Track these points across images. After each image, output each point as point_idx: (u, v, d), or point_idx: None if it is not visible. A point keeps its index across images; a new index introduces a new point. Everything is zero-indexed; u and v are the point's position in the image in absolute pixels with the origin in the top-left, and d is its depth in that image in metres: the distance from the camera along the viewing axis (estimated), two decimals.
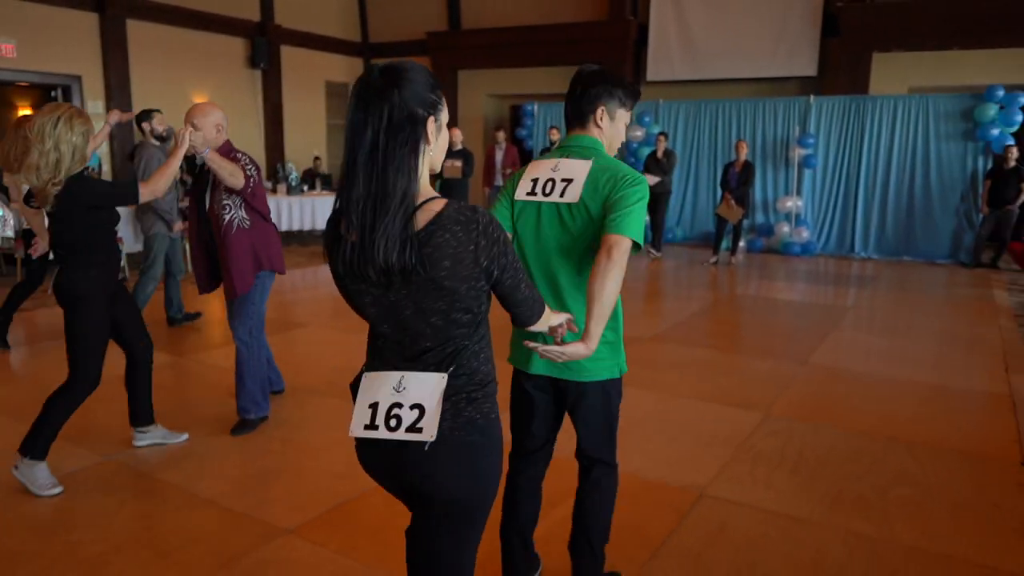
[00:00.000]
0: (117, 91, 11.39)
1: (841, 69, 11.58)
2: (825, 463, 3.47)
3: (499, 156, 11.28)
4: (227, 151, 3.71)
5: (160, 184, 3.37)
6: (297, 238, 11.26)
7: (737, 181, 9.29)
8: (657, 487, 3.23)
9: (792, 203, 10.63)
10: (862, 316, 6.67)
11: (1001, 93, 9.50)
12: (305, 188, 11.21)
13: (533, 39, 13.57)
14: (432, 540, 1.56)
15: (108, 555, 2.66)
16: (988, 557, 2.69)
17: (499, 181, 11.30)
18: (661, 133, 9.83)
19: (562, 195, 2.02)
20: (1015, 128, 9.55)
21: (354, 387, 1.59)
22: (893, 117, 10.27)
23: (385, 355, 1.54)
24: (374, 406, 1.50)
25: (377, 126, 1.36)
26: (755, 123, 11.11)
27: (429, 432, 1.45)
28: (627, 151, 11.69)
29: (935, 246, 10.15)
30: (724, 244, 9.73)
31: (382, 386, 1.51)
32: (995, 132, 9.53)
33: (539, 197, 2.06)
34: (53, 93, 11.19)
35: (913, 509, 3.04)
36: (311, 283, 8.24)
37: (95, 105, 11.32)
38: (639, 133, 11.45)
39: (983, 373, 4.89)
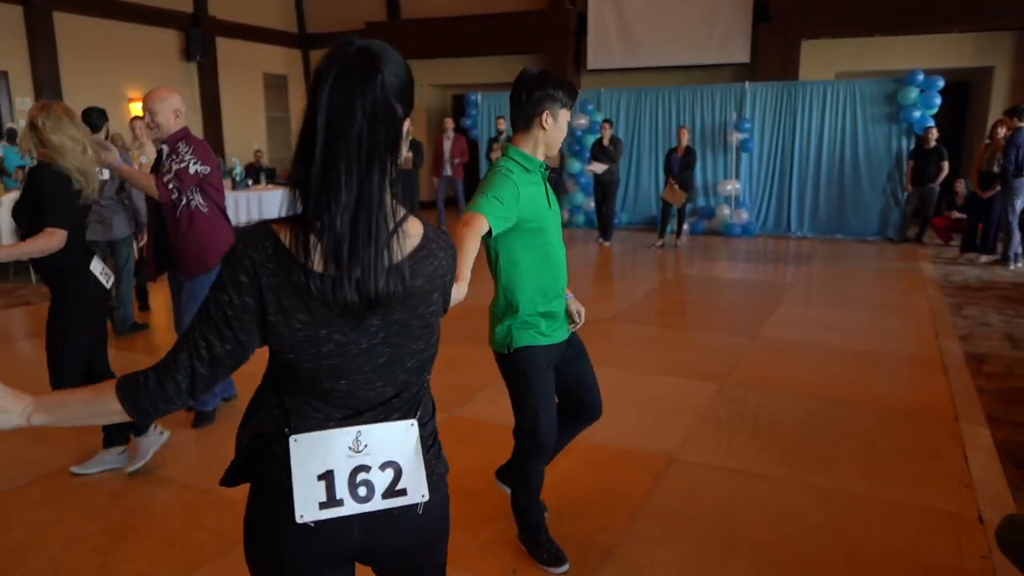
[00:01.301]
0: (47, 86, 10.99)
1: (772, 56, 12.05)
2: (780, 425, 3.74)
3: (447, 146, 11.34)
4: (179, 139, 3.64)
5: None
6: None
7: (680, 166, 9.61)
8: (630, 454, 3.43)
9: (731, 186, 11.05)
10: (802, 291, 7.06)
11: (921, 77, 10.07)
12: (250, 182, 11.05)
13: (474, 29, 13.65)
14: None
15: (114, 544, 2.70)
16: (931, 501, 2.97)
17: (448, 171, 11.37)
18: (606, 120, 10.06)
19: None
20: (934, 110, 10.14)
21: (260, 457, 1.23)
22: (823, 102, 10.77)
23: (325, 410, 1.21)
24: (327, 476, 1.18)
25: (361, 118, 1.08)
26: (694, 109, 11.47)
27: (418, 491, 1.23)
28: (572, 139, 11.92)
29: (865, 224, 10.72)
30: (669, 228, 10.07)
31: (330, 449, 1.19)
32: (916, 114, 10.11)
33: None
34: None
35: (862, 462, 3.33)
36: None
37: (23, 101, 10.90)
38: (583, 121, 11.68)
39: (915, 339, 5.28)
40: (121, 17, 11.98)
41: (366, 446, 1.21)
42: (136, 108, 12.41)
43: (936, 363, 4.71)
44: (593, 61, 13.23)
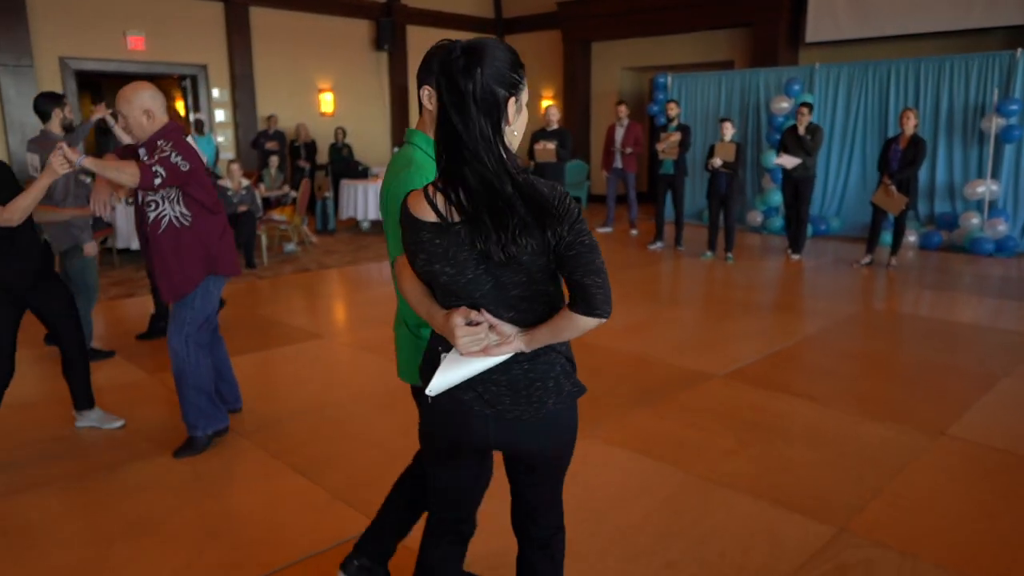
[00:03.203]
0: (241, 79, 11.52)
1: None
2: None
3: (619, 134, 10.00)
4: (157, 138, 3.15)
5: (17, 212, 3.08)
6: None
7: (900, 161, 7.36)
8: None
9: (984, 188, 8.40)
10: None
11: None
12: None
13: (673, 3, 12.03)
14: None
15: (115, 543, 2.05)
16: None
17: (618, 163, 10.05)
18: (803, 104, 8.06)
19: None
20: None
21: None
22: None
23: None
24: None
25: (473, 105, 1.39)
26: (939, 87, 8.91)
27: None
28: (771, 127, 9.93)
29: None
30: (881, 240, 7.84)
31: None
32: None
33: None
34: (183, 83, 11.54)
35: None
36: (375, 280, 7.60)
37: (223, 93, 11.53)
38: (785, 105, 9.65)
39: None
40: (314, 9, 12.23)
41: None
42: (326, 100, 12.69)
43: None
44: (813, 32, 10.96)
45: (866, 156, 9.57)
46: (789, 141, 7.89)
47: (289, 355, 4.92)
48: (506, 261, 1.41)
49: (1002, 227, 8.29)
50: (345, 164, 11.45)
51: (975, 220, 8.45)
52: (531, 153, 7.93)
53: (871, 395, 4.06)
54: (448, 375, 1.50)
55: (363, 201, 10.01)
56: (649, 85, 14.34)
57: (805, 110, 7.93)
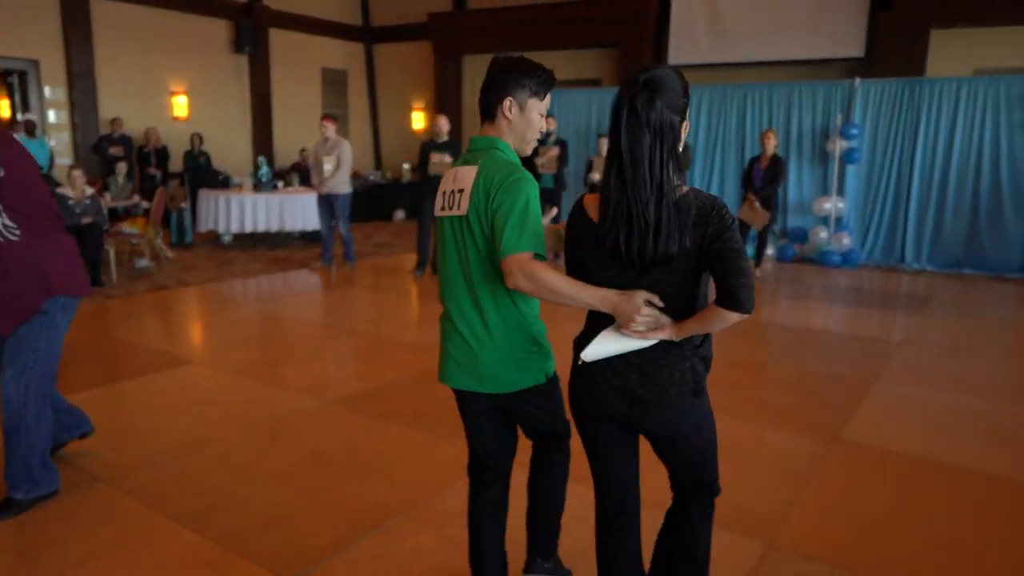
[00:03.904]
0: (80, 77, 10.43)
1: (893, 48, 9.99)
2: None
3: None
4: None
5: None
6: (265, 241, 10.13)
7: (763, 179, 7.83)
8: None
9: (831, 204, 9.11)
10: (914, 358, 5.20)
11: None
12: (279, 184, 10.07)
13: (544, 19, 12.26)
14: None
15: None
16: None
17: None
18: None
19: (459, 207, 1.99)
20: None
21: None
22: (955, 103, 8.66)
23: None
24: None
25: (650, 135, 1.64)
26: (789, 111, 9.59)
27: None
28: None
29: (1004, 257, 8.53)
30: (748, 253, 8.30)
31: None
32: None
33: (446, 212, 2.03)
34: (9, 79, 10.28)
35: None
36: (242, 297, 7.07)
37: (56, 92, 10.37)
38: None
39: None
40: (166, 5, 11.33)
41: None
42: (180, 103, 11.77)
43: None
44: (675, 55, 11.52)
45: (725, 174, 10.13)
46: None
47: (155, 385, 4.39)
48: (663, 262, 1.69)
49: (847, 241, 9.02)
50: (203, 173, 10.63)
51: (823, 234, 9.14)
52: (424, 165, 7.64)
53: (768, 404, 4.19)
54: (603, 346, 1.75)
55: (224, 213, 9.31)
56: None
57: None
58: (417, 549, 2.64)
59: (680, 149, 1.70)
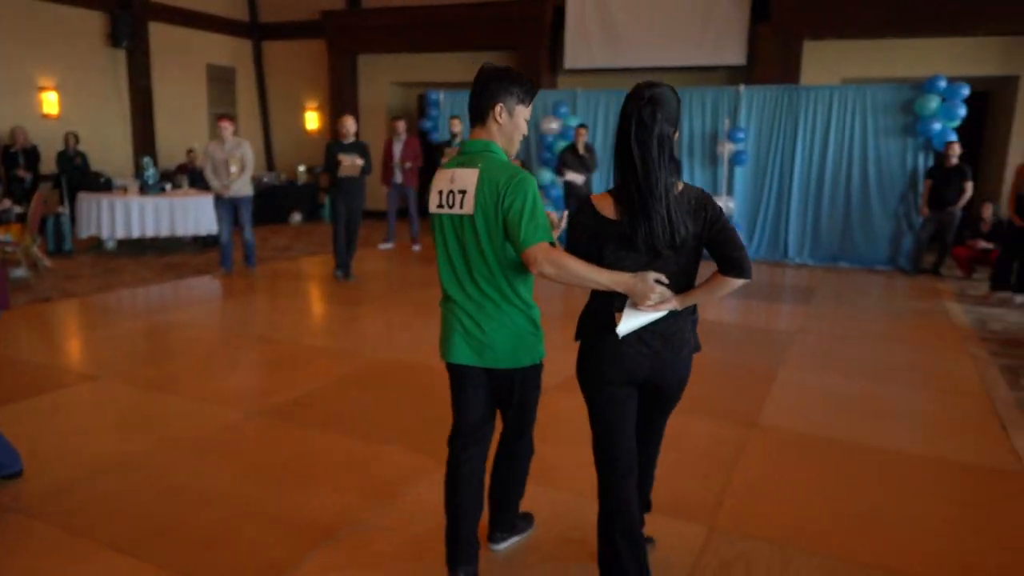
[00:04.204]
0: None
1: (771, 58, 10.69)
2: None
3: (398, 149, 9.89)
4: None
5: None
6: (154, 247, 9.58)
7: None
8: None
9: (723, 203, 9.64)
10: (809, 346, 5.62)
11: (943, 84, 8.72)
12: (168, 187, 9.55)
13: (440, 20, 12.24)
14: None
15: None
16: None
17: (398, 178, 9.93)
18: (581, 125, 8.66)
19: (461, 207, 2.20)
20: (957, 123, 8.79)
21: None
22: (828, 109, 9.39)
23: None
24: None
25: (656, 145, 2.00)
26: (682, 115, 10.06)
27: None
28: (542, 145, 10.50)
29: (873, 251, 9.34)
30: None
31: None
32: (936, 127, 8.75)
33: (445, 210, 2.24)
34: None
35: None
36: (139, 307, 6.68)
37: None
38: (555, 125, 10.26)
39: (981, 438, 3.83)
40: None
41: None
42: (50, 100, 10.91)
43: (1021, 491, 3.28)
44: (571, 60, 11.82)
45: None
46: (570, 159, 8.39)
47: (59, 404, 4.09)
48: (674, 247, 2.04)
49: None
50: (80, 175, 9.91)
51: None
52: (332, 167, 7.48)
53: (689, 394, 4.40)
54: (629, 322, 2.10)
55: (108, 217, 8.71)
56: (418, 101, 14.43)
57: (583, 131, 8.50)
58: (377, 556, 2.62)
59: (675, 154, 2.08)
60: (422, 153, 10.21)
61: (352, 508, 2.95)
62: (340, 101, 13.34)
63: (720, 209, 2.07)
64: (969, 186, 8.57)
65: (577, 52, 11.75)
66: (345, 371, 4.62)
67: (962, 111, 8.72)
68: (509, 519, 2.63)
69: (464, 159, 2.23)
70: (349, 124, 7.66)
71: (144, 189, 9.04)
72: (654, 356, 2.15)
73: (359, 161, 7.58)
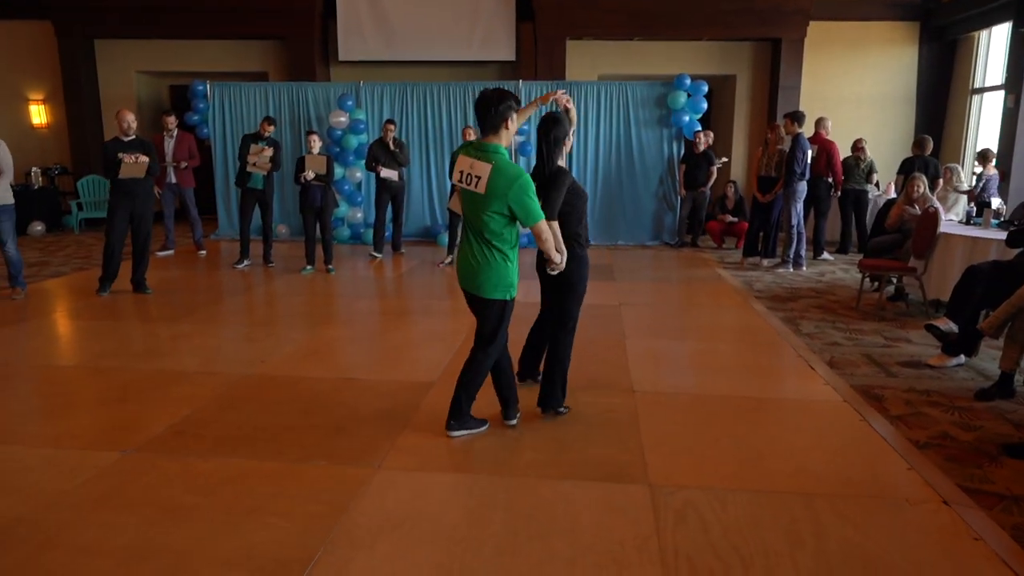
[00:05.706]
0: None
1: (539, 54, 11.48)
2: (777, 557, 2.72)
3: (170, 147, 9.00)
4: None
5: None
6: None
7: None
8: None
9: None
10: (636, 316, 6.30)
11: (688, 81, 10.09)
12: None
13: (200, 6, 11.24)
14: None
15: None
16: None
17: (172, 178, 9.06)
18: (390, 121, 8.69)
19: (476, 187, 3.21)
20: (700, 114, 10.24)
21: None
22: (597, 103, 10.38)
23: None
24: None
25: (550, 144, 3.64)
26: (467, 108, 10.44)
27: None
28: (331, 140, 10.22)
29: (642, 229, 10.56)
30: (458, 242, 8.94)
31: None
32: (686, 119, 10.12)
33: (464, 185, 3.26)
34: None
35: None
36: None
37: None
38: (343, 119, 10.05)
39: (796, 376, 4.69)
40: None
41: None
42: None
43: (846, 412, 4.07)
44: (345, 52, 11.61)
45: (413, 167, 10.61)
46: (381, 155, 8.35)
47: None
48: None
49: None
50: None
51: None
52: (112, 166, 6.65)
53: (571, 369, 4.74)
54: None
55: None
56: (169, 92, 13.12)
57: (392, 127, 8.55)
58: (375, 572, 2.56)
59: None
60: (199, 151, 9.40)
61: (314, 533, 2.80)
62: (75, 92, 11.70)
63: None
64: (714, 169, 10.08)
65: (351, 44, 11.56)
66: (211, 393, 4.24)
67: (704, 105, 10.19)
68: (462, 410, 3.63)
69: (480, 154, 3.22)
70: (128, 118, 6.88)
71: None
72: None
73: (143, 159, 6.84)
